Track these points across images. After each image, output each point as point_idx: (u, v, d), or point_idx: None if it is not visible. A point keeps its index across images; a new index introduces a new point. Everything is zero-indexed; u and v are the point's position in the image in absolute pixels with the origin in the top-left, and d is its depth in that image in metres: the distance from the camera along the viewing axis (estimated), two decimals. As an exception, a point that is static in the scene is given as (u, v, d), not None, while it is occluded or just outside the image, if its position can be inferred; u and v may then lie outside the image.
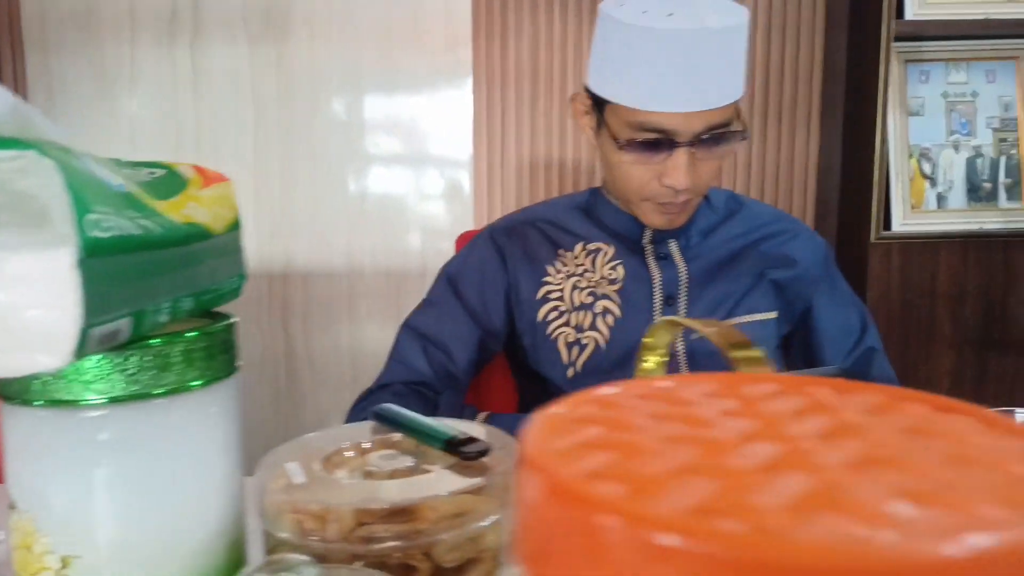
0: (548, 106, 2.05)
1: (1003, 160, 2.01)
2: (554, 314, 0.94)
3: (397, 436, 0.49)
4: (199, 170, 0.45)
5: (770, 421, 0.18)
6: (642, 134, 0.84)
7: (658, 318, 0.94)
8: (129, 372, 0.37)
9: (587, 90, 0.90)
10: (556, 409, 0.18)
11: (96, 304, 0.31)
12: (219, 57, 2.05)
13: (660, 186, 0.86)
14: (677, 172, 0.83)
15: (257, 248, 2.11)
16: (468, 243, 1.04)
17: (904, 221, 1.98)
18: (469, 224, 2.09)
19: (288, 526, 0.39)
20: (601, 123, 0.88)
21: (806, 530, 0.13)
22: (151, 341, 0.37)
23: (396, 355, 0.93)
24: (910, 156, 2.00)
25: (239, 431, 0.43)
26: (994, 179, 2.01)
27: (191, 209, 0.41)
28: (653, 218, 0.91)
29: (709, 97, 0.82)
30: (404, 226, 2.12)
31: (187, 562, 0.39)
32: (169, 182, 0.43)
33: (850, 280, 2.08)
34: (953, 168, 2.01)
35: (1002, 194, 2.01)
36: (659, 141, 0.84)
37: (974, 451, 0.16)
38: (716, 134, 0.84)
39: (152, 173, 0.44)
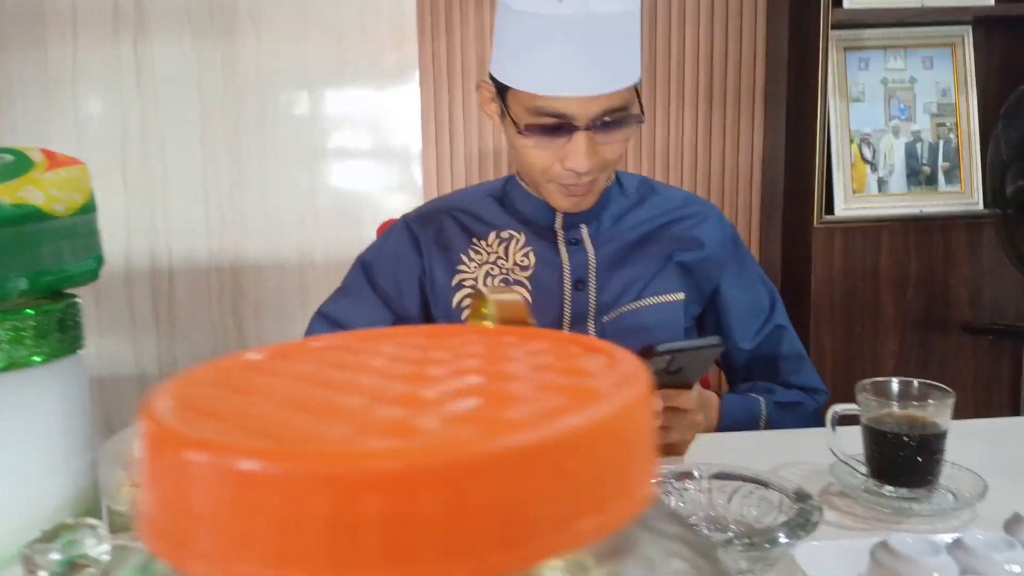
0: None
1: (941, 144, 2.05)
2: (468, 301, 0.96)
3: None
4: (48, 154, 0.45)
5: (416, 366, 0.19)
6: (541, 119, 0.86)
7: (568, 303, 0.96)
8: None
9: (491, 77, 0.91)
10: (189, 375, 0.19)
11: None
12: (164, 54, 2.04)
13: (563, 169, 0.88)
14: (577, 155, 0.85)
15: (207, 242, 2.10)
16: (385, 232, 1.05)
17: (846, 206, 2.02)
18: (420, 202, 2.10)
19: (125, 499, 0.40)
20: (504, 109, 0.90)
21: (347, 446, 0.15)
22: (-19, 320, 0.38)
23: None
24: (851, 142, 2.03)
25: (84, 408, 0.44)
26: (933, 163, 2.05)
27: (27, 192, 0.42)
28: (560, 201, 0.93)
29: (603, 82, 0.83)
30: (356, 219, 2.12)
31: (30, 536, 0.40)
32: (13, 167, 0.43)
33: (795, 264, 2.13)
34: (893, 153, 2.04)
35: (941, 178, 2.05)
36: (558, 126, 0.86)
37: (566, 370, 0.18)
38: (615, 118, 0.86)
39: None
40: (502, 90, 0.90)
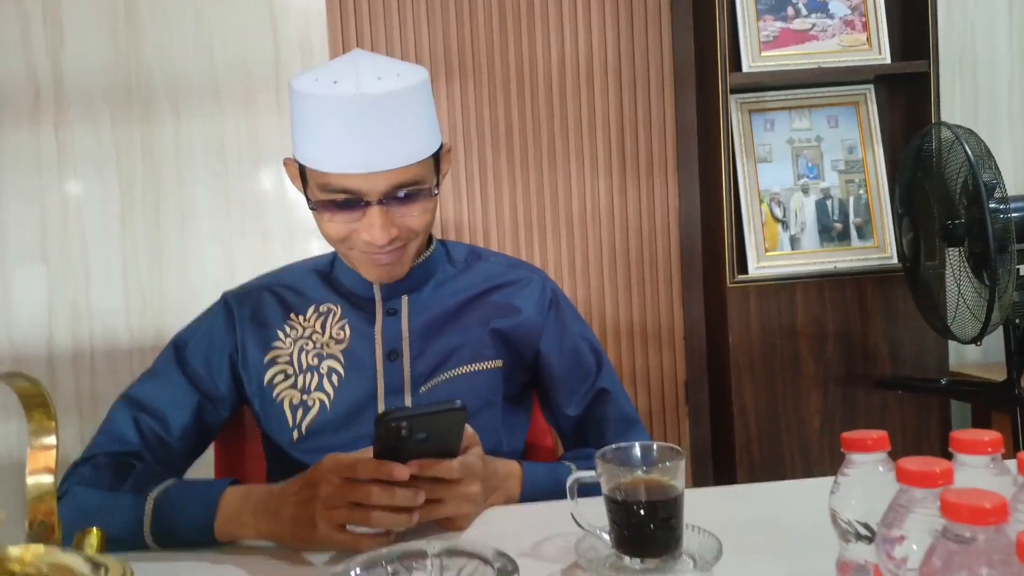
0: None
1: (852, 200, 2.07)
2: (280, 377, 0.95)
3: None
4: None
5: None
6: (331, 195, 0.87)
7: (381, 375, 0.95)
8: None
9: (294, 155, 0.93)
10: None
11: None
12: (83, 136, 2.08)
13: (360, 239, 0.88)
14: (372, 228, 0.86)
15: (127, 322, 2.11)
16: (204, 311, 1.05)
17: (759, 265, 2.03)
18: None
19: None
20: (306, 185, 0.91)
21: None
22: None
23: (105, 427, 0.94)
24: (760, 201, 2.05)
25: None
26: (844, 219, 2.07)
27: None
28: (369, 271, 0.93)
29: (386, 158, 0.85)
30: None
31: None
32: None
33: (713, 324, 2.12)
34: (804, 211, 2.06)
35: (854, 233, 2.06)
36: (349, 200, 0.87)
37: None
38: (407, 192, 0.87)
39: None
40: (302, 168, 0.91)
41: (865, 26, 2.04)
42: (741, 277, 2.00)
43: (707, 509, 0.70)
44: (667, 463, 0.62)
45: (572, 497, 0.66)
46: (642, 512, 0.60)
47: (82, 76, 2.07)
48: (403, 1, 2.12)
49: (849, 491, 0.49)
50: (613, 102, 2.17)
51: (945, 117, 2.04)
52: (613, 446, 0.65)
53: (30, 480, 0.46)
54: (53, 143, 2.08)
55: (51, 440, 0.47)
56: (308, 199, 0.91)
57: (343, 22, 2.10)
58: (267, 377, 0.96)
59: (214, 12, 2.07)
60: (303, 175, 0.92)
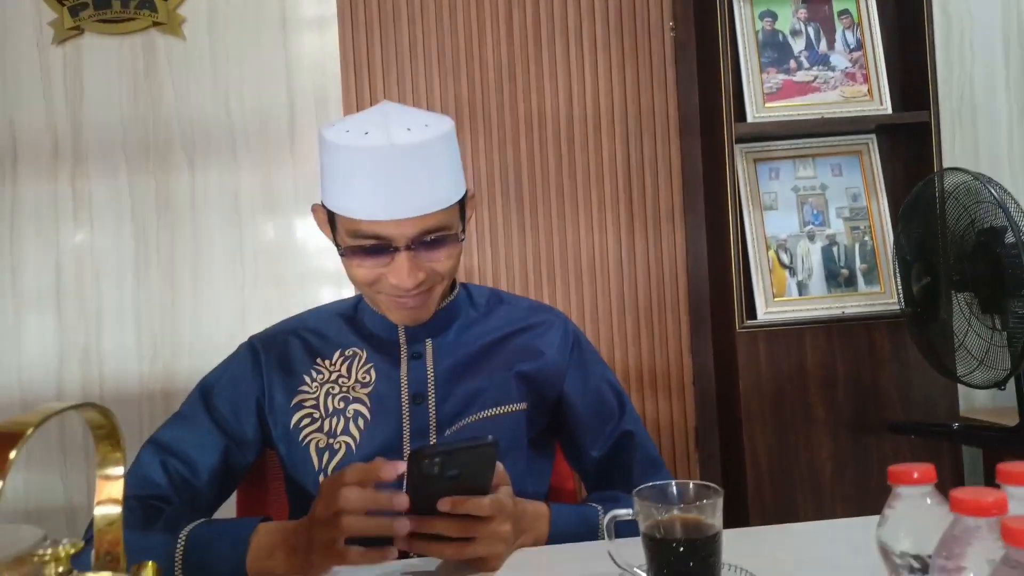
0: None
1: (857, 247, 2.10)
2: (307, 420, 0.96)
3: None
4: None
5: None
6: (360, 241, 0.89)
7: (407, 418, 0.96)
8: None
9: (323, 202, 0.95)
10: None
11: None
12: (100, 188, 2.11)
13: (389, 284, 0.90)
14: (400, 273, 0.88)
15: (139, 368, 2.11)
16: (231, 354, 1.07)
17: (767, 310, 2.04)
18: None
19: None
20: (335, 232, 0.94)
21: None
22: None
23: (133, 468, 0.94)
24: (768, 248, 2.08)
25: None
26: (851, 265, 2.09)
27: None
28: (395, 313, 0.95)
29: (414, 206, 0.87)
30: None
31: None
32: None
33: (722, 370, 2.13)
34: (810, 257, 2.09)
35: (860, 279, 2.09)
36: (378, 247, 0.89)
37: None
38: (434, 238, 0.89)
39: None
40: (331, 215, 0.93)
41: (866, 78, 2.10)
42: (750, 322, 2.02)
43: (743, 548, 0.70)
44: (705, 501, 0.63)
45: (610, 536, 0.67)
46: (681, 550, 0.61)
47: (101, 128, 2.12)
48: (415, 53, 2.17)
49: (898, 524, 0.50)
50: (620, 151, 2.21)
51: (947, 166, 2.08)
52: (650, 484, 0.65)
53: (98, 511, 0.47)
54: (70, 193, 2.12)
55: (118, 471, 0.48)
56: (338, 245, 0.92)
57: (356, 74, 2.16)
58: (293, 421, 0.97)
59: (231, 67, 2.13)
60: (332, 221, 0.94)
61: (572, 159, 2.20)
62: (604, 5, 2.21)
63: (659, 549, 0.62)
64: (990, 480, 1.75)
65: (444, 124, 0.92)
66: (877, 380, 2.03)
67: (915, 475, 0.51)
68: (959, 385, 1.90)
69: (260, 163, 2.14)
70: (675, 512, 0.63)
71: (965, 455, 2.10)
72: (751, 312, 2.04)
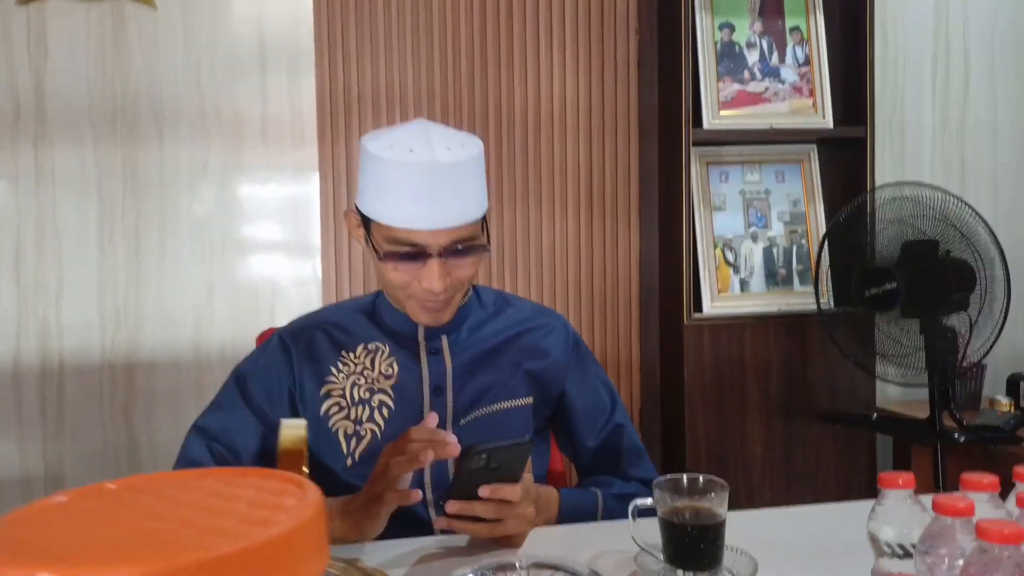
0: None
1: (795, 249, 2.28)
2: (335, 408, 1.05)
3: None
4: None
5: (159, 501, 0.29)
6: (397, 247, 0.98)
7: (427, 408, 1.06)
8: None
9: (356, 207, 1.03)
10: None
11: None
12: (64, 157, 2.09)
13: (419, 288, 1.00)
14: (431, 278, 0.98)
15: (100, 340, 2.12)
16: (261, 344, 1.14)
17: (713, 304, 2.21)
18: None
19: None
20: (369, 236, 1.02)
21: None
22: None
23: (182, 455, 1.02)
24: (715, 246, 2.24)
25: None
26: (788, 266, 2.27)
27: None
28: (420, 316, 1.04)
29: (450, 217, 0.97)
30: (254, 316, 2.18)
31: None
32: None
33: (669, 358, 2.29)
34: (753, 256, 2.26)
35: (796, 279, 2.27)
36: (413, 253, 0.98)
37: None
38: (464, 246, 0.99)
39: None
40: (366, 220, 1.02)
41: (811, 92, 2.27)
42: (697, 316, 2.18)
43: (738, 531, 0.83)
44: (714, 494, 0.75)
45: (633, 519, 0.79)
46: (693, 533, 0.73)
47: (66, 95, 2.09)
48: (389, 42, 2.22)
49: (885, 519, 0.63)
50: (583, 147, 2.32)
51: (877, 174, 2.27)
52: (668, 476, 0.78)
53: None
54: (32, 159, 2.09)
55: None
56: (375, 250, 1.01)
57: (331, 59, 2.19)
58: (323, 409, 1.05)
59: (203, 38, 2.13)
60: (366, 227, 1.02)
61: (537, 152, 2.30)
62: (573, 7, 2.30)
63: (674, 532, 0.75)
64: (899, 463, 1.97)
65: (477, 145, 1.01)
66: (806, 372, 2.23)
67: (900, 481, 0.64)
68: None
69: (230, 136, 2.15)
70: (689, 502, 0.75)
71: (878, 441, 2.34)
72: (698, 306, 2.20)
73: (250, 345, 2.16)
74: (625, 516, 0.83)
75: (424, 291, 0.99)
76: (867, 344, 2.02)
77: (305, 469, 0.61)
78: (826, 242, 2.03)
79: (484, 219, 1.04)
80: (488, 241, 1.04)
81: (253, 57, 2.15)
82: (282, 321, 2.15)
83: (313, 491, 0.29)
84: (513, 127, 2.28)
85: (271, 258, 2.20)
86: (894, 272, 1.81)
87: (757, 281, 2.25)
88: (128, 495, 0.30)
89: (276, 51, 2.16)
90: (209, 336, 2.17)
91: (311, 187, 2.19)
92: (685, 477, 0.77)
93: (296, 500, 0.27)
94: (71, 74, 2.08)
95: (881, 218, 1.87)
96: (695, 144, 2.19)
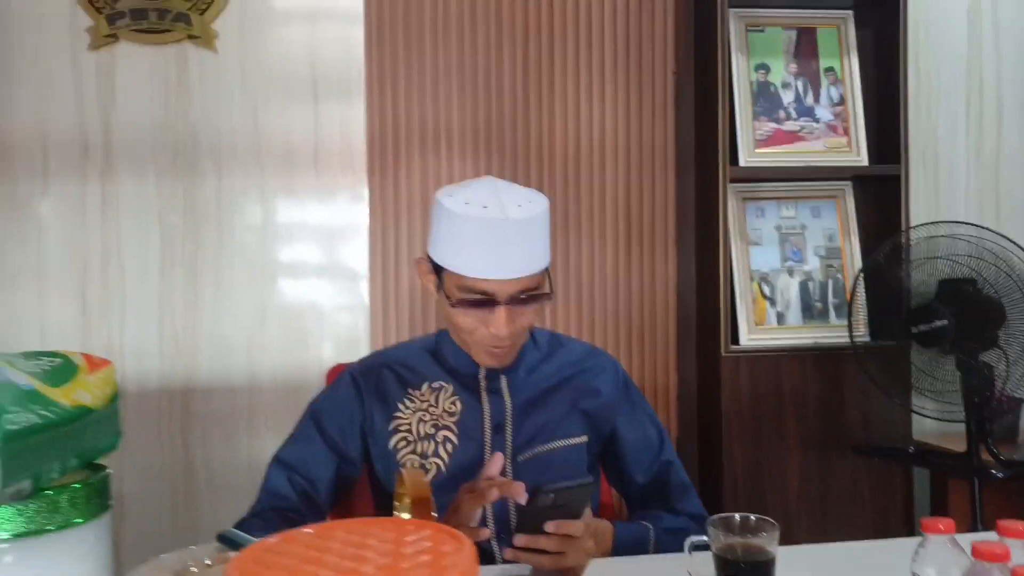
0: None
1: (831, 283, 2.32)
2: (403, 443, 1.13)
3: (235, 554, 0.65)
4: (87, 358, 0.61)
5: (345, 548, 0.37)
6: (468, 295, 1.07)
7: (488, 444, 1.13)
8: (28, 515, 0.52)
9: (428, 256, 1.12)
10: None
11: (8, 472, 0.48)
12: (128, 189, 2.21)
13: (487, 332, 1.07)
14: (499, 324, 1.06)
15: (160, 364, 2.22)
16: (333, 381, 1.22)
17: (749, 337, 2.26)
18: (366, 334, 2.27)
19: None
20: (440, 283, 1.10)
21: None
22: (45, 492, 0.53)
23: (266, 486, 1.10)
24: (752, 280, 2.29)
25: (110, 553, 0.58)
26: (824, 300, 2.32)
27: (79, 394, 0.58)
28: (484, 358, 1.12)
29: (518, 268, 1.05)
30: (303, 343, 2.27)
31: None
32: (63, 370, 0.60)
33: (706, 389, 2.34)
34: (789, 290, 2.31)
35: (832, 313, 2.31)
36: (482, 300, 1.06)
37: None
38: (529, 295, 1.07)
39: (51, 362, 0.60)
40: (437, 268, 1.10)
41: (846, 131, 2.32)
42: (734, 347, 2.23)
43: (783, 566, 0.89)
44: (765, 533, 0.81)
45: (688, 553, 0.85)
46: (746, 569, 0.80)
47: (131, 132, 2.21)
48: (436, 78, 2.32)
49: (927, 560, 0.69)
50: (621, 181, 2.40)
51: (912, 209, 2.31)
52: (723, 515, 0.84)
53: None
54: (99, 193, 2.21)
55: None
56: (447, 296, 1.09)
57: (381, 96, 2.29)
58: (391, 443, 1.13)
59: (259, 80, 2.24)
60: (438, 274, 1.10)
61: (577, 186, 2.38)
62: (613, 46, 2.39)
63: (728, 568, 0.81)
64: (937, 496, 2.01)
65: (544, 202, 1.09)
66: (843, 404, 2.27)
67: (941, 527, 0.70)
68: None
69: (283, 165, 2.26)
70: (742, 539, 0.81)
71: (915, 473, 2.36)
72: (734, 338, 2.25)
73: (300, 370, 2.27)
74: (675, 549, 0.89)
75: (490, 336, 1.07)
76: (902, 378, 2.05)
77: (434, 514, 0.68)
78: (861, 278, 2.07)
79: (547, 269, 1.12)
80: (551, 290, 1.11)
81: (306, 88, 2.26)
82: (329, 347, 2.26)
83: (467, 542, 0.35)
84: (554, 161, 2.36)
85: (320, 284, 2.29)
86: (943, 310, 1.85)
87: (793, 314, 2.30)
88: (322, 540, 0.37)
89: (328, 81, 2.27)
90: (261, 361, 2.26)
91: (360, 214, 2.28)
92: (738, 516, 0.83)
93: (454, 549, 0.34)
94: (136, 112, 2.20)
95: (917, 256, 1.92)
96: (731, 181, 2.25)
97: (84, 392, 0.59)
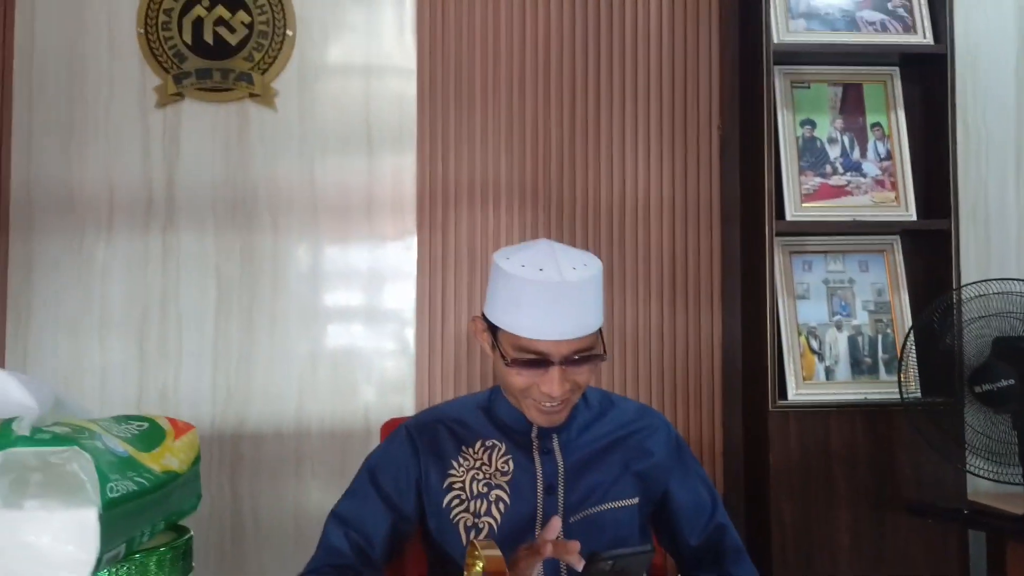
0: (484, 285, 2.33)
1: (880, 338, 2.30)
2: (456, 501, 1.14)
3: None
4: (172, 422, 0.65)
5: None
6: (524, 355, 1.09)
7: (540, 505, 1.14)
8: (119, 577, 0.55)
9: (483, 315, 1.15)
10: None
11: (107, 538, 0.51)
12: (189, 242, 2.29)
13: (540, 392, 1.09)
14: (552, 384, 1.08)
15: (211, 413, 2.27)
16: (388, 436, 1.25)
17: (798, 392, 2.24)
18: (411, 380, 2.30)
19: None
20: (495, 342, 1.13)
21: None
22: (136, 555, 0.56)
23: (323, 542, 1.13)
24: (799, 334, 2.28)
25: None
26: (874, 355, 2.29)
27: (168, 459, 0.61)
28: (537, 418, 1.14)
29: (572, 329, 1.07)
30: (353, 385, 2.31)
31: None
32: (152, 435, 0.63)
33: (753, 445, 2.32)
34: (837, 345, 2.29)
35: (882, 368, 2.29)
36: (537, 360, 1.08)
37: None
38: (582, 356, 1.09)
39: (140, 426, 0.64)
40: (492, 327, 1.13)
41: (894, 185, 2.32)
42: (782, 403, 2.21)
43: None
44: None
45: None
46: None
47: (193, 187, 2.30)
48: (485, 133, 2.38)
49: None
50: (666, 235, 2.42)
51: (963, 264, 2.28)
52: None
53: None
54: (160, 244, 2.29)
55: None
56: (502, 355, 1.11)
57: (432, 149, 2.36)
58: (445, 501, 1.15)
59: (317, 138, 2.33)
60: (493, 333, 1.13)
61: (621, 239, 2.41)
62: (658, 101, 2.43)
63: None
64: (993, 558, 1.95)
65: (598, 264, 1.12)
66: (894, 462, 2.22)
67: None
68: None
69: (337, 215, 2.33)
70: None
71: (970, 535, 2.29)
72: (782, 392, 2.23)
73: (347, 416, 2.30)
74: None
75: (543, 395, 1.09)
76: (955, 437, 2.01)
77: (510, 589, 0.69)
78: (912, 337, 2.05)
79: (600, 330, 1.14)
80: (604, 350, 1.13)
81: (360, 140, 2.34)
82: (375, 392, 2.29)
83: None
84: (599, 216, 2.40)
85: (368, 331, 2.34)
86: (1006, 370, 1.82)
87: (842, 369, 2.27)
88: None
89: (381, 133, 2.34)
90: (310, 408, 2.30)
91: (408, 263, 2.33)
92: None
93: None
94: (199, 167, 2.30)
95: (969, 315, 1.89)
96: (777, 235, 2.26)
97: (172, 457, 0.63)
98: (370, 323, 2.34)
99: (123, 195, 2.29)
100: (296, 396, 2.31)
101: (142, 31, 2.28)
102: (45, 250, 2.27)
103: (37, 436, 0.49)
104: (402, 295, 2.34)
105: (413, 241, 2.34)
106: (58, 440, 0.51)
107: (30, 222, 2.26)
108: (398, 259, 2.34)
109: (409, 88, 2.35)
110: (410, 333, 2.33)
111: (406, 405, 2.31)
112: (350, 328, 2.33)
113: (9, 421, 0.51)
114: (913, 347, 2.11)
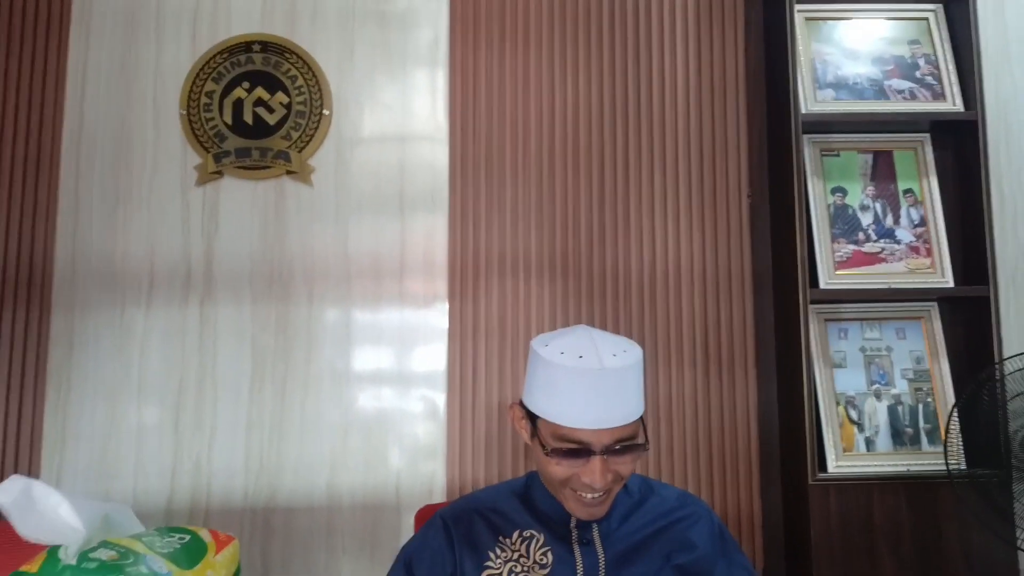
0: (514, 353, 2.33)
1: (921, 407, 2.25)
2: None
3: None
4: (214, 535, 0.65)
5: None
6: (564, 444, 1.08)
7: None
8: None
9: (522, 403, 1.14)
10: None
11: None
12: (226, 314, 2.33)
13: (580, 483, 1.08)
14: (593, 475, 1.06)
15: (244, 485, 2.28)
16: (423, 526, 1.24)
17: (837, 464, 2.18)
18: (443, 449, 2.29)
19: None
20: (534, 430, 1.12)
21: None
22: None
23: None
24: (838, 404, 2.24)
25: None
26: (915, 425, 2.24)
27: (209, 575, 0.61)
28: (577, 510, 1.12)
29: (614, 418, 1.06)
30: (384, 454, 2.30)
31: None
32: (193, 549, 0.63)
33: (793, 518, 2.25)
34: (877, 415, 2.24)
35: (924, 439, 2.23)
36: (578, 450, 1.07)
37: None
38: (623, 445, 1.08)
39: (182, 539, 0.64)
40: (532, 415, 1.12)
41: (929, 252, 2.30)
42: (821, 475, 2.15)
43: None
44: None
45: None
46: None
47: (231, 260, 2.35)
48: (515, 204, 2.40)
49: None
50: (698, 304, 2.40)
51: (1004, 331, 2.24)
52: None
53: None
54: (197, 317, 2.33)
55: None
56: (541, 444, 1.11)
57: (462, 232, 2.38)
58: (482, 592, 1.13)
59: (351, 213, 2.37)
60: (532, 422, 1.12)
61: (653, 309, 2.40)
62: (687, 171, 2.45)
63: None
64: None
65: (638, 351, 1.12)
66: (940, 536, 2.15)
67: None
68: (1021, 548, 2.02)
69: (371, 299, 2.35)
70: None
71: (1026, 616, 2.19)
72: (822, 464, 2.18)
73: (377, 486, 2.29)
74: None
75: (585, 486, 1.08)
76: (1004, 510, 1.95)
77: None
78: (955, 412, 2.00)
79: (642, 418, 1.13)
80: (647, 439, 1.12)
81: (394, 207, 2.37)
82: (406, 459, 2.27)
83: None
84: (630, 286, 2.40)
85: (399, 397, 2.33)
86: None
87: (883, 440, 2.22)
88: None
89: (413, 196, 2.38)
90: (342, 479, 2.30)
91: (439, 329, 2.34)
92: None
93: None
94: (237, 242, 2.35)
95: (1013, 388, 1.85)
96: (811, 303, 2.24)
97: (213, 573, 0.63)
98: (401, 387, 2.34)
99: (163, 268, 2.34)
100: (328, 467, 2.30)
101: (184, 112, 2.36)
102: (86, 323, 2.32)
103: (83, 565, 0.50)
104: (433, 359, 2.34)
105: (444, 305, 2.35)
106: (104, 569, 0.52)
107: (72, 297, 2.32)
108: (429, 324, 2.35)
109: (441, 157, 2.40)
110: (440, 398, 2.33)
111: (437, 472, 2.30)
112: (381, 392, 2.33)
113: (56, 549, 0.52)
114: (957, 420, 2.06)
